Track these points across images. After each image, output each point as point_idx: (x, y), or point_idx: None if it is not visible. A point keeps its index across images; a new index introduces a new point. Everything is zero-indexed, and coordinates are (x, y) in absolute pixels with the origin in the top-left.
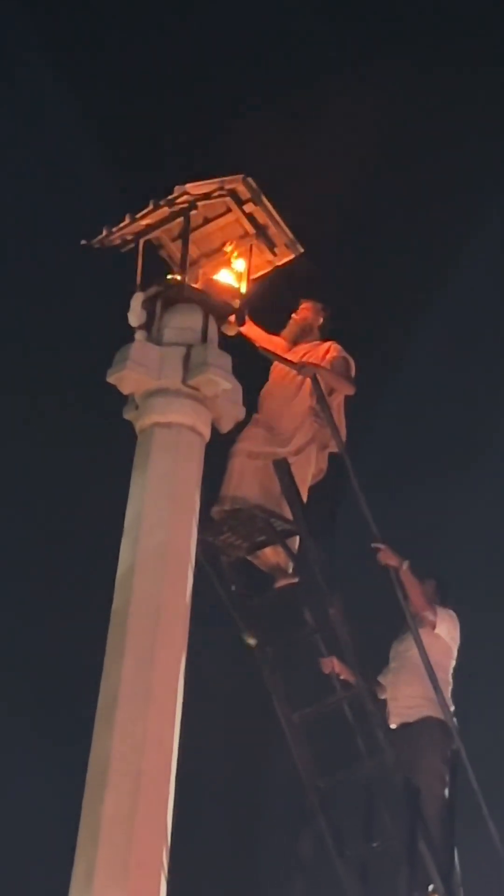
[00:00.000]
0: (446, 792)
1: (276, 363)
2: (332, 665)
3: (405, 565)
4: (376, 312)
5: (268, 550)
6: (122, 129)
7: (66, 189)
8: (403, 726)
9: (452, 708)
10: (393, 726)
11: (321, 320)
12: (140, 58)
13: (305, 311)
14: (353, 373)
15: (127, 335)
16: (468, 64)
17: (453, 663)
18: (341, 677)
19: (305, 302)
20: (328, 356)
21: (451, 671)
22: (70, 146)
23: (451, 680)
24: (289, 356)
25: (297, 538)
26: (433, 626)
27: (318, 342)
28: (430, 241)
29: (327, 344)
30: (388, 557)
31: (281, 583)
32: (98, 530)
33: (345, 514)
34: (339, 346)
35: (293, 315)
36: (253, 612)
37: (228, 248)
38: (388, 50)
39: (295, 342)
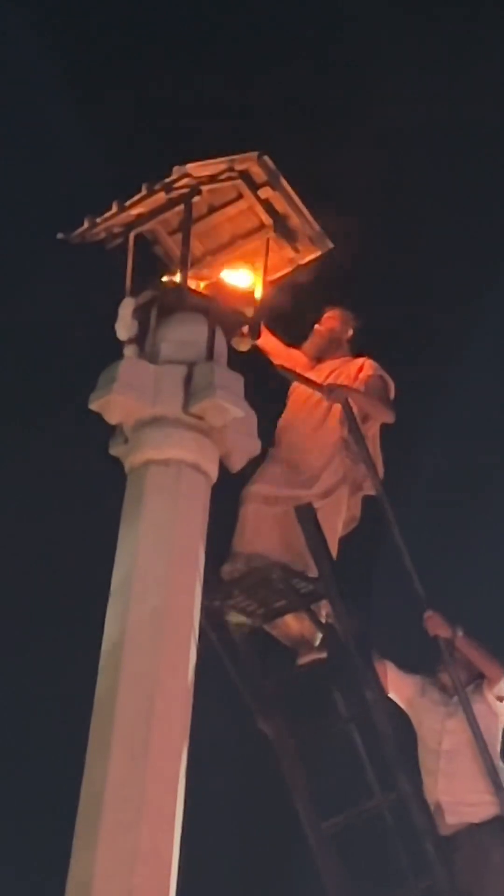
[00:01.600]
0: None
1: (296, 385)
2: (435, 623)
3: (459, 632)
4: (422, 320)
5: (289, 618)
6: (109, 97)
7: (40, 169)
8: (464, 830)
9: None
10: (447, 832)
11: (351, 332)
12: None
13: (332, 321)
14: (392, 396)
15: (114, 351)
16: None
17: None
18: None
19: (331, 310)
20: (361, 376)
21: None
22: (45, 118)
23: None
24: (312, 375)
25: (326, 602)
26: (501, 699)
27: (347, 358)
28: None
29: (360, 361)
30: (438, 627)
31: (305, 658)
32: (76, 594)
33: (384, 571)
34: (374, 364)
35: (316, 326)
36: (271, 696)
37: (240, 243)
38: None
39: (319, 358)
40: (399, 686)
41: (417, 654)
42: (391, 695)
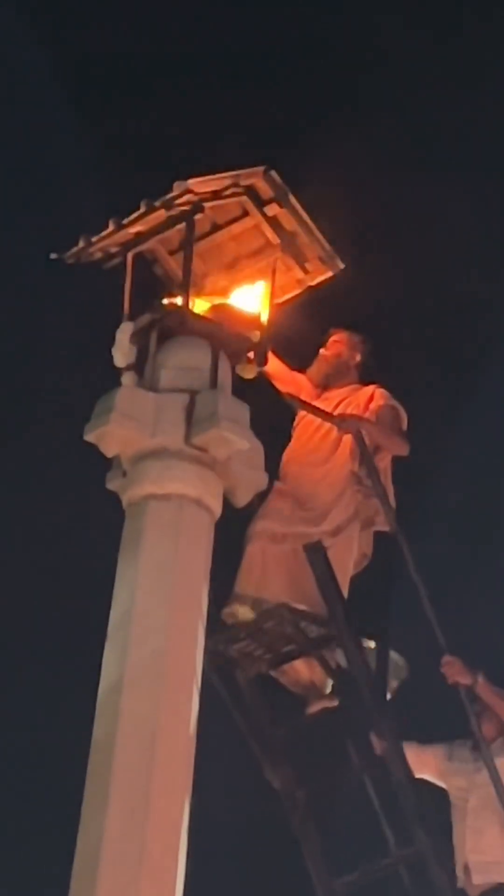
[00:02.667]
0: None
1: (302, 414)
2: (454, 670)
3: (480, 678)
4: (436, 345)
5: (298, 664)
6: (107, 110)
7: (32, 183)
8: (490, 892)
9: None
10: (474, 894)
11: (359, 357)
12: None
13: (338, 346)
14: (404, 426)
15: (111, 378)
16: None
17: None
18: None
19: (337, 333)
20: (372, 406)
21: None
22: (39, 130)
23: None
24: (318, 405)
25: (337, 647)
26: None
27: (356, 386)
28: None
29: (369, 389)
30: (457, 673)
31: (316, 707)
32: (71, 636)
33: (399, 612)
34: (385, 393)
35: (322, 350)
36: (279, 745)
37: (245, 264)
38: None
39: (325, 386)
40: (423, 764)
41: (436, 701)
42: (419, 776)
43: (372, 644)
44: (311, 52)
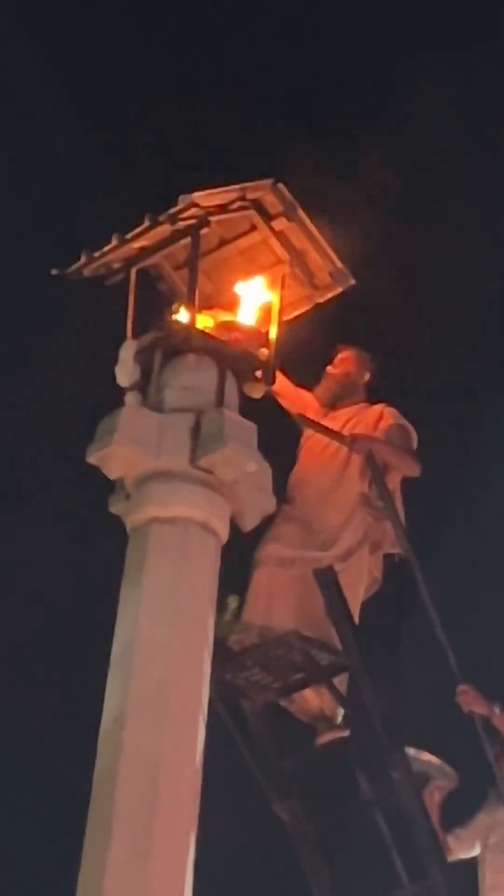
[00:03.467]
0: None
1: (309, 434)
2: (470, 699)
3: (497, 710)
4: (450, 363)
5: (308, 693)
6: (110, 121)
7: (33, 195)
8: None
9: None
10: None
11: (368, 375)
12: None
13: (346, 364)
14: (415, 445)
15: (114, 398)
16: None
17: None
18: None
19: (345, 350)
20: (382, 425)
21: None
22: (41, 142)
23: None
24: (326, 423)
25: (348, 675)
26: None
27: (364, 405)
28: None
29: (377, 408)
30: (472, 702)
31: (326, 737)
32: (73, 664)
33: (412, 639)
34: (394, 412)
35: (329, 368)
36: (287, 778)
37: (252, 279)
38: None
39: (332, 405)
40: (466, 848)
41: (451, 733)
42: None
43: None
44: (319, 58)
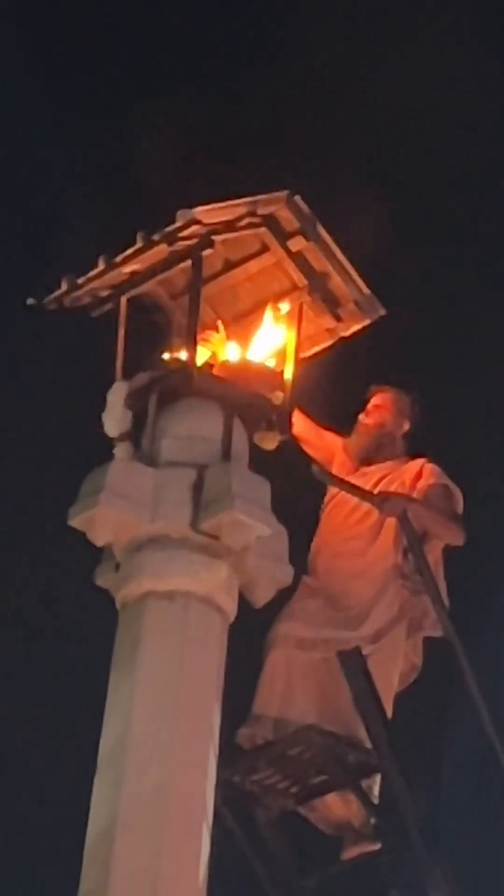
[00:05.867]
0: None
1: (335, 491)
2: None
3: None
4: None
5: (331, 798)
6: (98, 126)
7: (7, 211)
8: None
9: None
10: None
11: (407, 425)
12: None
13: (383, 412)
14: (459, 509)
15: (102, 450)
16: None
17: None
18: None
19: (381, 392)
20: (421, 484)
21: None
22: (14, 148)
23: None
24: (356, 480)
25: (379, 777)
26: None
27: (402, 459)
28: None
29: (417, 463)
30: None
31: (353, 850)
32: (54, 766)
33: (456, 735)
34: (436, 469)
35: (361, 417)
36: None
37: (264, 310)
38: None
39: (366, 458)
40: None
41: (500, 845)
42: None
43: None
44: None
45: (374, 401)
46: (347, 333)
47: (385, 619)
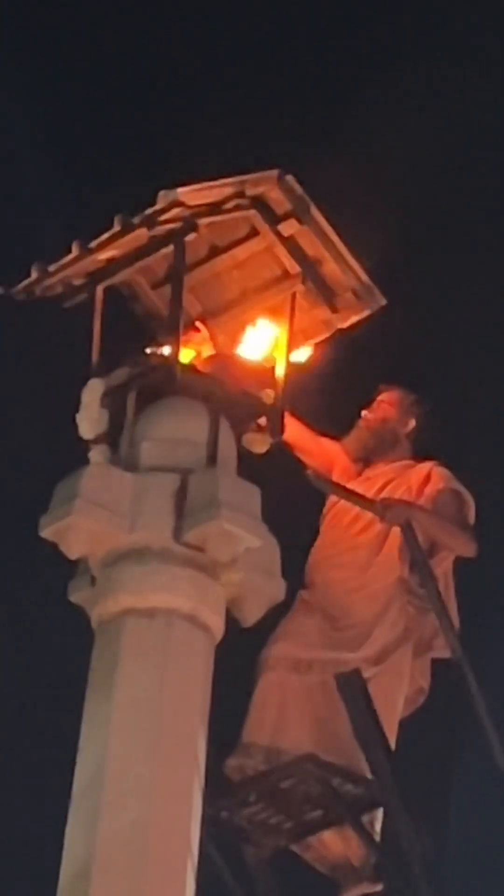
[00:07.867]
0: None
1: (334, 500)
2: None
3: None
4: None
5: (329, 835)
6: (70, 100)
7: None
8: None
9: None
10: None
11: (413, 424)
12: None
13: (386, 409)
14: (471, 519)
15: (76, 454)
16: None
17: None
18: None
19: (386, 391)
20: (428, 490)
21: None
22: None
23: None
24: (357, 486)
25: (380, 812)
26: None
27: (408, 462)
28: None
29: (425, 466)
30: None
31: (352, 892)
32: (23, 803)
33: (465, 766)
34: (445, 472)
35: (364, 413)
36: None
37: (254, 300)
38: None
39: (367, 461)
40: None
41: None
42: None
43: None
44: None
45: (379, 398)
46: (345, 325)
47: (388, 638)
